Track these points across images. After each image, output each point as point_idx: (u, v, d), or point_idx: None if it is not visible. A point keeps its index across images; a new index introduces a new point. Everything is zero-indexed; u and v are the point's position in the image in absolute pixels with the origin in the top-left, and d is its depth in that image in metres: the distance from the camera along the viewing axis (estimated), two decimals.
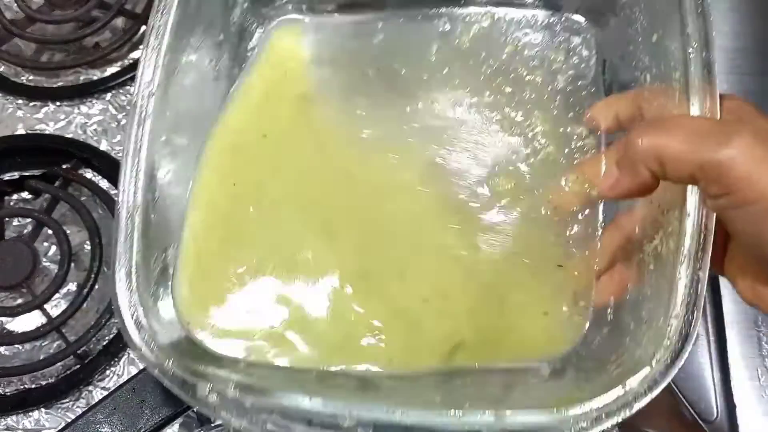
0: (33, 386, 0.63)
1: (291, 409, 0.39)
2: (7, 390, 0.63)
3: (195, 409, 0.61)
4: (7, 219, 0.68)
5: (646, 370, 0.38)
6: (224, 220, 0.52)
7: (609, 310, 0.46)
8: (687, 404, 0.62)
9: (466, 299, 0.50)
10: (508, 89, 0.55)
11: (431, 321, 0.49)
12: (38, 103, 0.72)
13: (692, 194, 0.38)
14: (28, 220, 0.67)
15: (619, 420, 0.38)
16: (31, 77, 0.74)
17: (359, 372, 0.47)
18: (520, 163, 0.53)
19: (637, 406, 0.38)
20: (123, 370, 0.63)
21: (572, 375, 0.46)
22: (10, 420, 0.62)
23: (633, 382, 0.38)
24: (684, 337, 0.38)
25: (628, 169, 0.38)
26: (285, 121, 0.56)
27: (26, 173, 0.69)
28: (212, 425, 0.62)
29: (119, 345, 0.63)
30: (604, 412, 0.38)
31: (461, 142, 0.54)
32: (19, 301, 0.65)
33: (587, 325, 0.48)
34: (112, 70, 0.74)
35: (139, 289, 0.44)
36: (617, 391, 0.38)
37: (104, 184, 0.69)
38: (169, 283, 0.49)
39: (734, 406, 0.62)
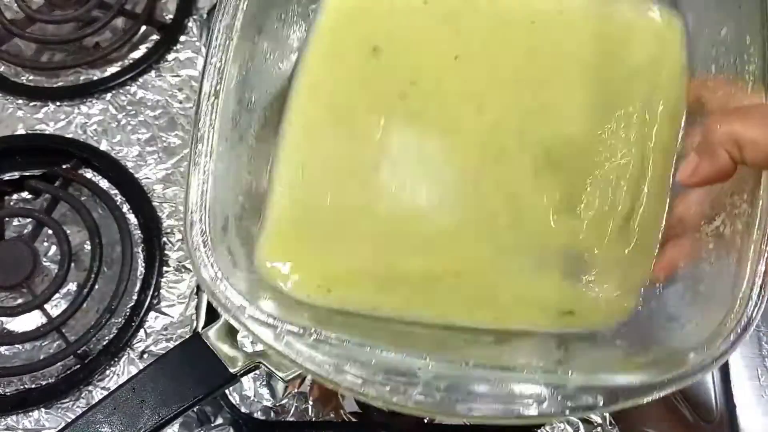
0: (33, 386, 0.63)
1: (368, 360, 0.39)
2: (7, 390, 0.63)
3: (195, 409, 0.61)
4: (7, 219, 0.68)
5: (711, 344, 0.39)
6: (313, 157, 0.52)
7: (659, 286, 0.48)
8: (687, 404, 0.62)
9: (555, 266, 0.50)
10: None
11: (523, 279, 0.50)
12: (38, 103, 0.72)
13: (766, 178, 0.41)
14: (28, 220, 0.67)
15: (675, 389, 0.39)
16: (31, 77, 0.74)
17: (440, 323, 0.48)
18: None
19: (696, 378, 0.39)
20: (123, 370, 0.63)
21: (625, 344, 0.47)
22: (10, 420, 0.62)
23: (695, 356, 0.39)
24: (749, 317, 0.39)
25: (708, 154, 0.39)
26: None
27: (26, 173, 0.69)
28: (212, 425, 0.62)
29: (119, 345, 0.63)
30: (661, 381, 0.39)
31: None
32: (19, 301, 0.65)
33: (640, 298, 0.49)
34: (112, 70, 0.74)
35: (215, 239, 0.44)
36: (677, 363, 0.39)
37: (104, 184, 0.69)
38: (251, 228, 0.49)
39: (734, 406, 0.62)
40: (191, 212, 0.44)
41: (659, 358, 0.40)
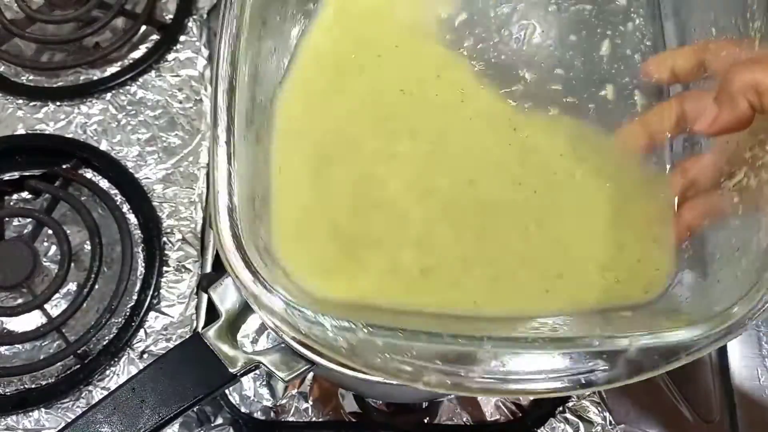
0: (33, 386, 0.63)
1: (422, 347, 0.39)
2: (7, 390, 0.63)
3: (195, 409, 0.61)
4: (7, 219, 0.68)
5: (754, 296, 0.39)
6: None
7: (686, 244, 0.48)
8: (687, 404, 0.62)
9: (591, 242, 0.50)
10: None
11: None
12: (38, 103, 0.72)
13: None
14: (28, 220, 0.67)
15: (726, 342, 0.39)
16: (31, 77, 0.74)
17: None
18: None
19: (744, 329, 0.39)
20: (123, 370, 0.63)
21: (667, 308, 0.47)
22: (10, 420, 0.62)
23: (740, 309, 0.39)
24: None
25: (727, 103, 0.40)
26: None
27: (26, 173, 0.69)
28: (212, 425, 0.62)
29: (119, 345, 0.63)
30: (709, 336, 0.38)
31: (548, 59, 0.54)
32: (19, 301, 0.65)
33: (671, 259, 0.49)
34: (112, 70, 0.74)
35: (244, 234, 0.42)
36: (723, 318, 0.39)
37: (104, 184, 0.69)
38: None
39: (734, 406, 0.62)
40: (219, 215, 0.42)
41: (704, 317, 0.40)
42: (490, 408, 0.63)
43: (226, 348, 0.50)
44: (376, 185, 0.51)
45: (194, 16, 0.76)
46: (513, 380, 0.39)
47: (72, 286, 0.66)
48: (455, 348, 0.39)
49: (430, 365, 0.38)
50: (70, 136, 0.71)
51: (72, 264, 0.64)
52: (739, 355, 0.64)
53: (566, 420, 0.62)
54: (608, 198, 0.50)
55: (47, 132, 0.71)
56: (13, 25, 0.73)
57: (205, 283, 0.63)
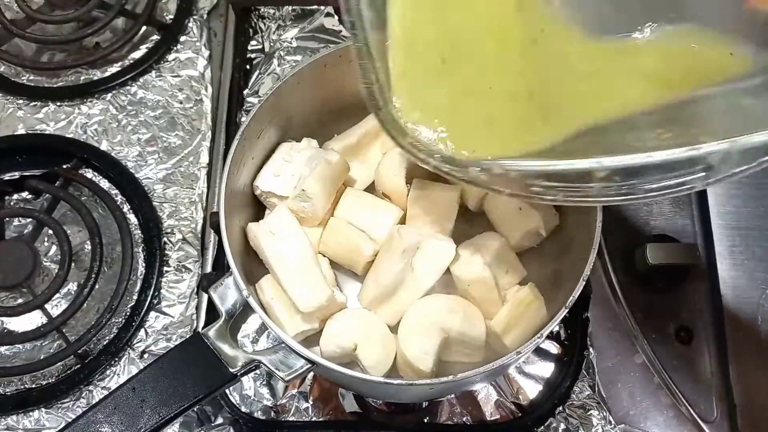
0: (33, 386, 0.63)
1: (549, 172, 0.43)
2: (7, 390, 0.63)
3: (195, 409, 0.61)
4: (7, 219, 0.68)
5: None
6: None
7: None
8: (687, 404, 0.62)
9: None
10: None
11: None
12: (38, 103, 0.73)
13: None
14: (29, 220, 0.68)
15: None
16: (31, 77, 0.74)
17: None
18: None
19: None
20: (123, 369, 0.63)
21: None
22: (11, 420, 0.62)
23: None
24: None
25: None
26: None
27: (27, 173, 0.69)
28: (212, 424, 0.62)
29: (119, 345, 0.63)
30: None
31: None
32: (20, 300, 0.65)
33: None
34: (112, 70, 0.74)
35: None
36: None
37: (104, 184, 0.69)
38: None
39: (734, 406, 0.62)
40: None
41: None
42: (490, 408, 0.63)
43: (226, 348, 0.50)
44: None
45: (194, 17, 0.76)
46: (631, 186, 0.42)
47: (72, 286, 0.66)
48: (574, 169, 0.43)
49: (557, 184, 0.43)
50: (70, 136, 0.71)
51: (72, 264, 0.64)
52: (739, 355, 0.64)
53: (566, 420, 0.62)
54: None
55: (47, 132, 0.71)
56: (13, 25, 0.74)
57: (205, 283, 0.63)
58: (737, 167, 0.40)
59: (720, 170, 0.41)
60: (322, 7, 0.77)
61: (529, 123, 0.47)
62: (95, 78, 0.73)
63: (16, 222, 0.69)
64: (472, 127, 0.47)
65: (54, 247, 0.67)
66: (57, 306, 0.65)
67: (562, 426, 0.62)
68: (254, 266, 0.57)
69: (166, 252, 0.67)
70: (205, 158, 0.70)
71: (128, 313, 0.64)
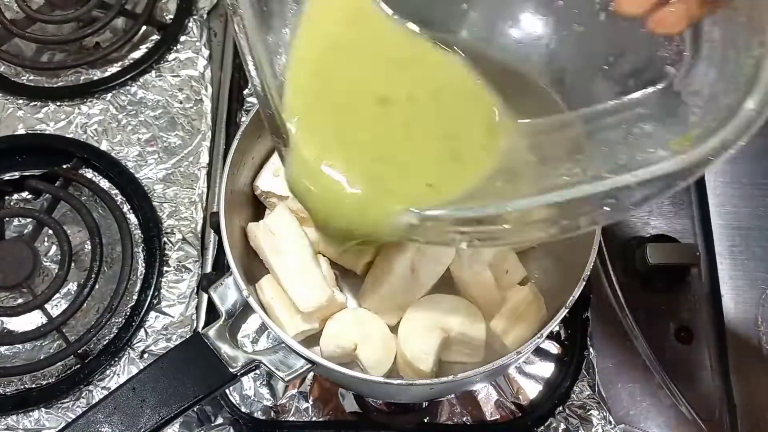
0: (33, 386, 0.63)
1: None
2: (7, 390, 0.63)
3: (195, 409, 0.61)
4: (7, 219, 0.68)
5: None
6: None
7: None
8: (687, 404, 0.62)
9: None
10: None
11: None
12: (38, 103, 0.73)
13: None
14: (29, 220, 0.68)
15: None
16: (31, 77, 0.74)
17: None
18: None
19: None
20: (123, 369, 0.63)
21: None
22: (11, 420, 0.62)
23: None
24: None
25: None
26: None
27: (27, 173, 0.69)
28: (212, 424, 0.62)
29: (119, 345, 0.63)
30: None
31: None
32: (20, 300, 0.65)
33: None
34: (112, 70, 0.74)
35: None
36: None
37: (104, 184, 0.69)
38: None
39: (734, 406, 0.62)
40: None
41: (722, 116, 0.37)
42: (490, 408, 0.63)
43: (226, 348, 0.50)
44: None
45: (194, 16, 0.76)
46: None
47: (72, 286, 0.66)
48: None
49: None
50: (70, 136, 0.71)
51: (72, 264, 0.64)
52: (739, 355, 0.64)
53: (566, 420, 0.62)
54: None
55: (47, 132, 0.71)
56: (13, 25, 0.74)
57: (205, 283, 0.63)
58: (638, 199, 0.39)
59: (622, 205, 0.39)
60: None
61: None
62: (95, 78, 0.73)
63: (16, 222, 0.69)
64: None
65: (54, 247, 0.67)
66: (57, 306, 0.65)
67: (562, 426, 0.62)
68: (254, 266, 0.57)
69: (166, 252, 0.67)
70: (205, 158, 0.70)
71: (128, 313, 0.64)
